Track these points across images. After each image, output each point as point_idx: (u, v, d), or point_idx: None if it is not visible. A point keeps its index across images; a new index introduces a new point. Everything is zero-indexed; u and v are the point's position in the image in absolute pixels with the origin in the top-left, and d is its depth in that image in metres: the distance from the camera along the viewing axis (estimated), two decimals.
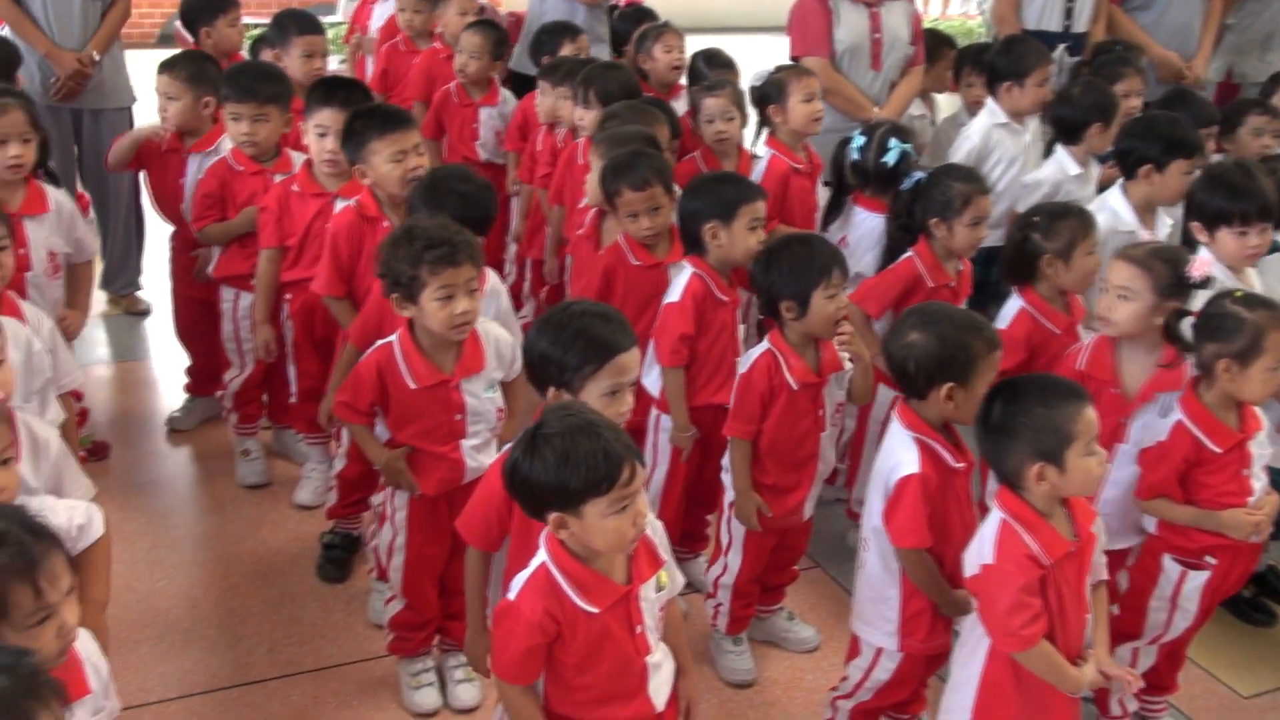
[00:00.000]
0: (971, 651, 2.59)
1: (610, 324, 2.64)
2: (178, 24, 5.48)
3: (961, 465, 2.81)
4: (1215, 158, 4.51)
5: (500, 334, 3.18)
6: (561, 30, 5.52)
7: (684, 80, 5.44)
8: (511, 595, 2.29)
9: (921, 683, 3.06)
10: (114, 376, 5.44)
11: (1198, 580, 3.06)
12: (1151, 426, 3.09)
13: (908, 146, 4.08)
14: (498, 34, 5.46)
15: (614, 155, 3.68)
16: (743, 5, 14.43)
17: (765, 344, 3.23)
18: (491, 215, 3.55)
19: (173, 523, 4.24)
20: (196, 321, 4.65)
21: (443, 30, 5.79)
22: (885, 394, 3.88)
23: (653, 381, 3.54)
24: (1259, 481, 3.02)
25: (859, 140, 4.17)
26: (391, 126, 3.62)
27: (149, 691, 3.34)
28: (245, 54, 5.53)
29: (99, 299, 5.55)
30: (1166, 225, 4.04)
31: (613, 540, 2.22)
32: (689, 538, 3.82)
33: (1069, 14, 5.57)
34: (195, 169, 4.39)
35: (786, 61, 5.00)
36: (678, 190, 3.67)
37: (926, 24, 6.39)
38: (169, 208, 4.59)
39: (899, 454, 2.79)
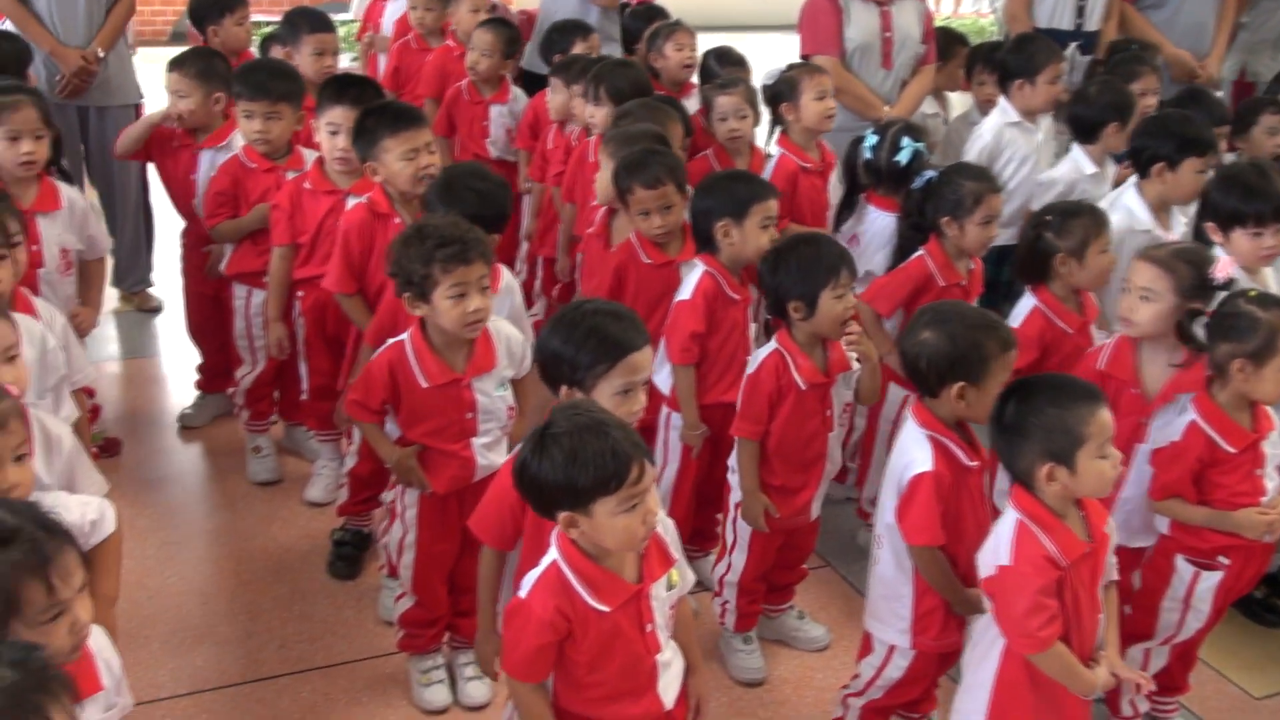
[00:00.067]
0: (985, 653, 2.58)
1: (622, 322, 2.63)
2: (189, 22, 5.49)
3: (975, 464, 2.81)
4: (1228, 157, 4.50)
5: (511, 332, 3.19)
6: (573, 29, 5.51)
7: (695, 78, 5.43)
8: (523, 593, 2.29)
9: (933, 681, 3.05)
10: (124, 373, 5.47)
11: (1211, 581, 3.05)
12: (1171, 426, 3.08)
13: (920, 146, 4.08)
14: (509, 32, 5.46)
15: (627, 153, 3.68)
16: (754, 3, 14.43)
17: (773, 344, 3.23)
18: (507, 213, 3.56)
19: (184, 519, 4.25)
20: (208, 318, 4.66)
21: (455, 28, 5.79)
22: (896, 393, 3.89)
23: (663, 379, 3.54)
24: (1272, 481, 3.01)
25: (872, 139, 4.17)
26: (403, 124, 3.62)
27: (160, 687, 3.35)
28: (255, 52, 5.54)
29: (110, 296, 5.57)
30: (1181, 224, 4.02)
31: (623, 539, 2.22)
32: (699, 536, 3.82)
33: (1081, 12, 5.56)
34: (208, 164, 4.40)
35: (797, 60, 5.00)
36: (689, 189, 3.67)
37: (938, 22, 6.39)
38: (181, 203, 4.60)
39: (912, 452, 2.79)
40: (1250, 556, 3.06)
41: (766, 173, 4.40)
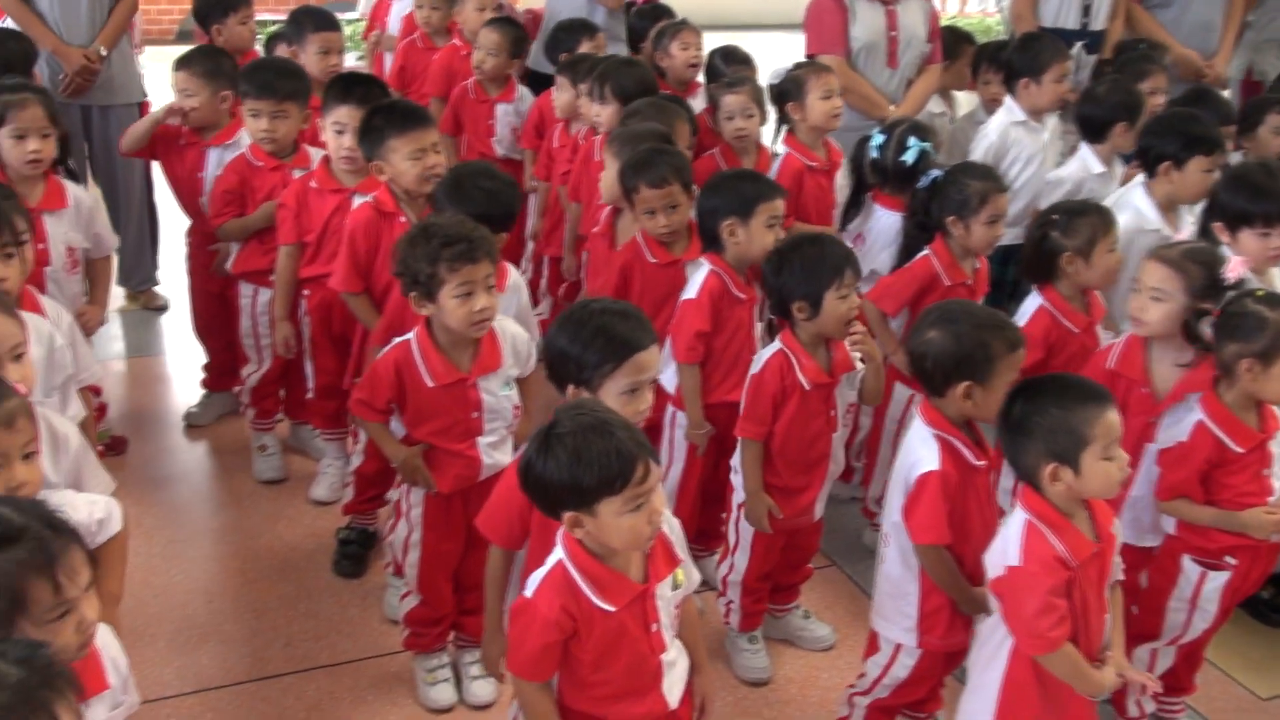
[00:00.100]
0: (993, 654, 2.58)
1: (629, 321, 2.63)
2: (195, 21, 5.49)
3: (982, 463, 2.80)
4: (1235, 157, 4.49)
5: (517, 331, 3.19)
6: (579, 28, 5.51)
7: (701, 77, 5.43)
8: (528, 592, 2.29)
9: (939, 681, 3.05)
10: (130, 372, 5.47)
11: (1218, 581, 3.05)
12: (1178, 426, 3.07)
13: (927, 145, 4.07)
14: (516, 31, 5.46)
15: (633, 152, 3.68)
16: (759, 2, 14.41)
17: (777, 344, 3.23)
18: (515, 211, 3.56)
19: (190, 517, 4.26)
20: (214, 317, 4.66)
21: (462, 27, 5.79)
22: (901, 392, 3.89)
23: (668, 378, 3.54)
24: (1279, 481, 3.01)
25: (878, 138, 4.17)
26: (411, 124, 3.62)
27: (165, 685, 3.36)
28: (260, 50, 5.54)
29: (116, 294, 5.57)
30: (1189, 223, 4.02)
31: (628, 538, 2.22)
32: (705, 535, 3.82)
33: (1086, 11, 5.54)
34: (215, 162, 4.41)
35: (803, 59, 4.99)
36: (695, 189, 3.67)
37: (944, 21, 6.38)
38: (187, 201, 4.60)
39: (919, 451, 2.79)
40: (1257, 556, 3.05)
41: (772, 172, 4.41)
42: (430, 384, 3.03)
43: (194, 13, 5.36)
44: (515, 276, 3.57)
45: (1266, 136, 4.68)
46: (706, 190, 3.56)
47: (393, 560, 3.42)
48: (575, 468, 2.16)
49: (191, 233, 4.70)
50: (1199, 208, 3.97)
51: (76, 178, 4.14)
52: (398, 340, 3.11)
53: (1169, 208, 4.04)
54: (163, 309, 6.04)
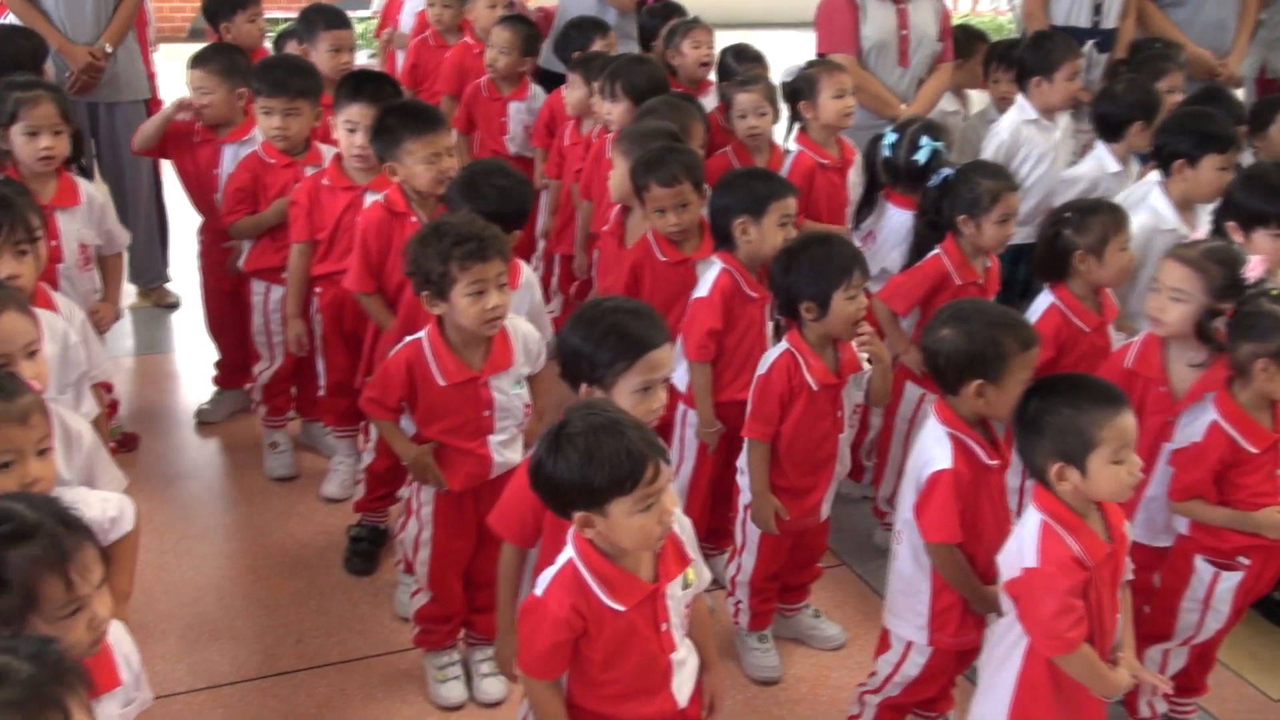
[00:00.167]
0: (1006, 654, 2.57)
1: (642, 320, 2.62)
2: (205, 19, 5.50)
3: (995, 463, 2.80)
4: (1245, 156, 4.47)
5: (528, 330, 3.19)
6: (591, 26, 5.50)
7: (713, 76, 5.42)
8: (539, 591, 2.29)
9: (950, 680, 3.04)
10: (141, 369, 5.48)
11: (1231, 581, 3.04)
12: (1192, 426, 3.06)
13: (939, 144, 4.07)
14: (528, 29, 5.46)
15: (645, 150, 3.68)
16: (770, 1, 14.38)
17: (784, 344, 3.22)
18: (528, 209, 3.57)
19: (201, 514, 4.27)
20: (227, 314, 4.67)
21: (474, 24, 5.80)
22: (912, 391, 3.89)
23: (679, 376, 3.54)
24: None
25: (891, 137, 4.16)
26: (427, 127, 3.62)
27: (177, 682, 3.37)
28: (269, 48, 5.55)
29: (128, 292, 5.59)
30: (1206, 222, 4.00)
31: (639, 538, 2.21)
32: (715, 534, 3.81)
33: (1098, 9, 5.52)
34: (230, 159, 4.41)
35: (814, 57, 4.99)
36: (707, 188, 3.66)
37: (957, 20, 6.37)
38: (201, 198, 4.60)
39: (932, 449, 2.78)
40: (1270, 557, 3.04)
41: (784, 169, 4.40)
42: (442, 383, 3.03)
43: (203, 10, 5.37)
44: (528, 274, 3.57)
45: (1277, 135, 4.67)
46: (719, 188, 3.56)
47: (403, 558, 3.42)
48: (586, 468, 2.16)
49: (204, 230, 4.70)
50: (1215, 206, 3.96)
51: (89, 174, 4.15)
52: (409, 339, 3.11)
53: (1185, 206, 4.03)
54: (174, 306, 6.06)
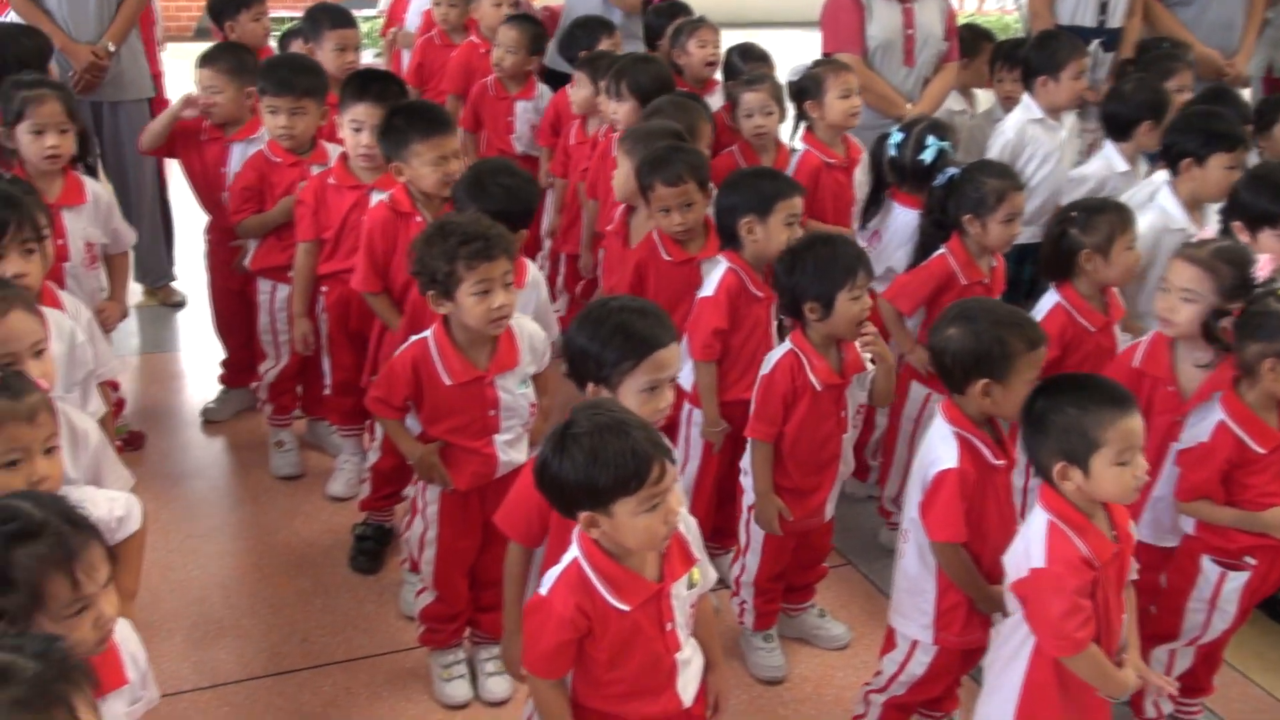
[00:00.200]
0: (1013, 655, 2.57)
1: (649, 319, 2.62)
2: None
3: (1001, 463, 2.80)
4: (1250, 156, 4.46)
5: (533, 329, 3.19)
6: (597, 25, 5.51)
7: (719, 75, 5.42)
8: (544, 590, 2.30)
9: (955, 680, 3.04)
10: (146, 367, 5.49)
11: (1237, 581, 3.03)
12: (1198, 426, 3.05)
13: (945, 144, 4.06)
14: (535, 28, 5.46)
15: (650, 150, 3.67)
16: (776, 0, 14.37)
17: (787, 345, 3.22)
18: (534, 208, 3.57)
19: (207, 513, 4.27)
20: (234, 313, 4.67)
21: (479, 22, 5.80)
22: (918, 391, 3.89)
23: (685, 376, 3.54)
24: None
25: (897, 136, 4.16)
26: (435, 130, 3.62)
27: (183, 680, 3.37)
28: (274, 47, 5.55)
29: (134, 290, 5.59)
30: (1214, 221, 3.99)
31: (644, 539, 2.21)
32: (720, 533, 3.81)
33: (1104, 8, 5.51)
34: (238, 157, 4.41)
35: (821, 57, 4.98)
36: (713, 187, 3.66)
37: (963, 19, 6.37)
38: (209, 197, 4.60)
39: (938, 448, 2.78)
40: (1277, 557, 3.03)
41: (790, 168, 4.40)
42: (448, 382, 3.03)
43: (208, 9, 5.38)
44: (534, 273, 3.57)
45: None
46: (725, 187, 3.55)
47: (409, 556, 3.43)
48: (591, 468, 2.16)
49: (211, 229, 4.70)
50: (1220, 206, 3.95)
51: (95, 173, 4.15)
52: (414, 338, 3.11)
53: (1194, 206, 4.02)
54: (180, 305, 6.06)
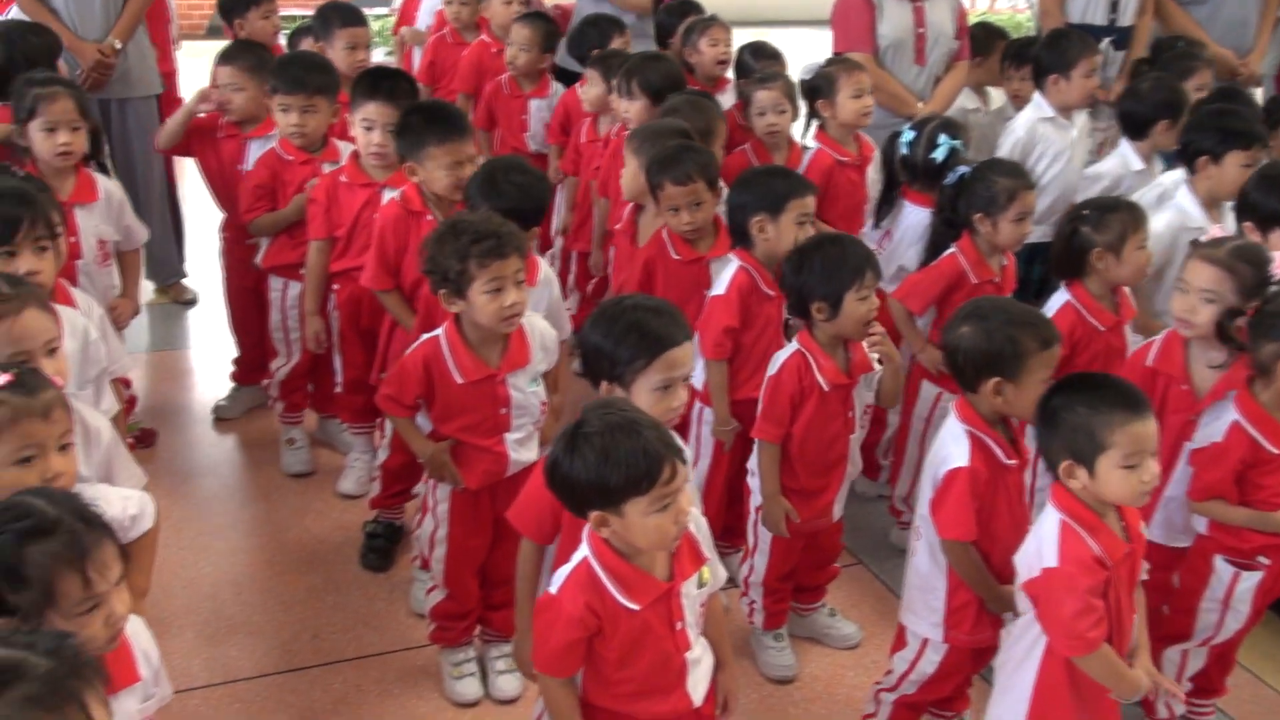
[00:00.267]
0: (1024, 655, 2.56)
1: (663, 318, 2.62)
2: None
3: (1013, 462, 2.79)
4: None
5: (544, 327, 3.19)
6: (608, 24, 5.50)
7: (730, 74, 5.42)
8: (553, 589, 2.30)
9: (966, 679, 3.04)
10: (157, 365, 5.50)
11: (1250, 581, 3.02)
12: (1212, 426, 3.04)
13: (957, 143, 4.06)
14: (548, 26, 5.46)
15: (660, 149, 3.67)
16: None
17: (794, 345, 3.21)
18: (545, 205, 3.57)
19: (218, 510, 4.28)
20: (250, 311, 4.65)
21: (490, 21, 5.80)
22: (929, 390, 3.88)
23: (696, 375, 3.54)
24: None
25: (909, 134, 4.15)
26: (452, 135, 3.61)
27: (194, 677, 3.38)
28: (283, 45, 5.55)
29: (145, 288, 5.60)
30: (1232, 220, 3.98)
31: (654, 538, 2.21)
32: (730, 532, 3.80)
33: (1114, 7, 5.49)
34: (255, 154, 4.40)
35: (833, 56, 4.97)
36: (723, 186, 3.66)
37: (975, 18, 6.35)
38: (226, 194, 4.60)
39: (950, 447, 2.78)
40: None
41: (802, 167, 4.40)
42: (459, 380, 3.03)
43: (218, 7, 5.38)
44: (546, 270, 3.57)
45: None
46: (737, 186, 3.55)
47: (420, 554, 3.43)
48: (602, 467, 2.15)
49: (227, 226, 4.69)
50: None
51: (106, 170, 4.16)
52: (426, 336, 3.11)
53: (1212, 204, 4.01)
54: (191, 303, 6.07)
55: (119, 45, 5.29)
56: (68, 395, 2.42)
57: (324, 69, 4.34)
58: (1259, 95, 5.74)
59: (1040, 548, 2.48)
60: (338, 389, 4.30)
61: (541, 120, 5.47)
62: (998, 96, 5.80)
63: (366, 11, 5.37)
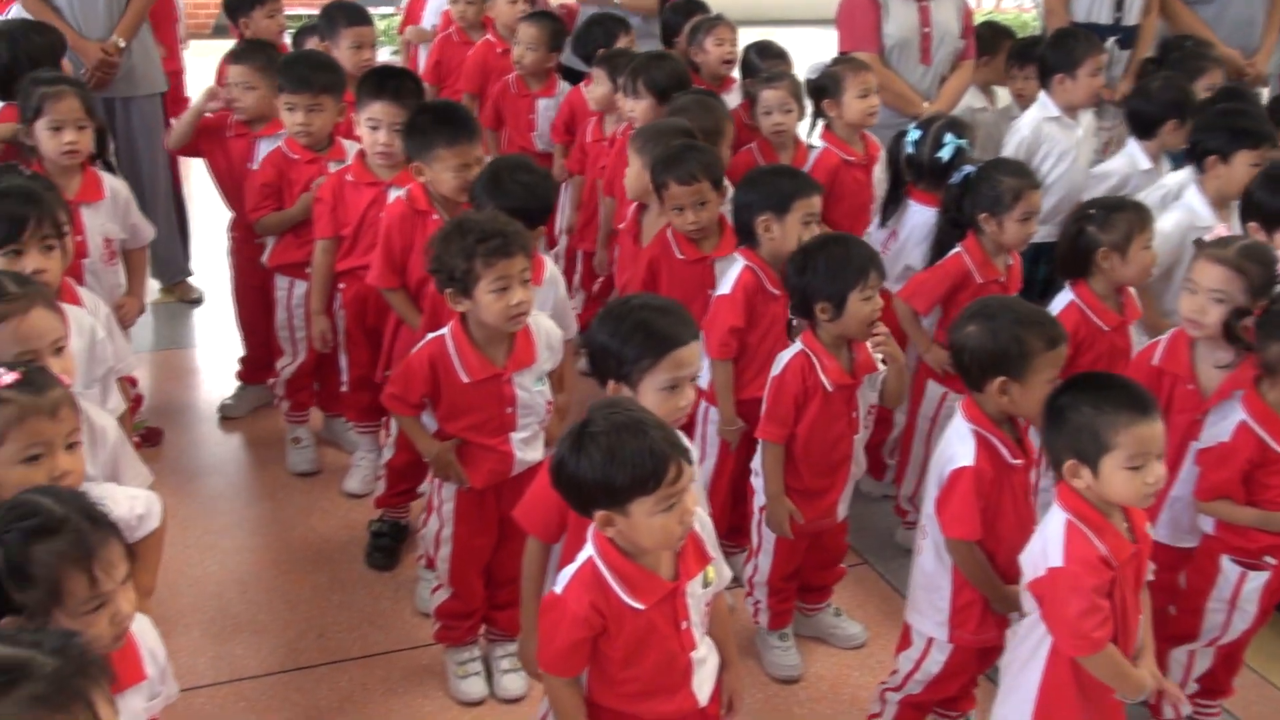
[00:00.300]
0: (1030, 655, 2.56)
1: (670, 317, 2.62)
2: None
3: (1019, 462, 2.79)
4: None
5: (550, 326, 3.19)
6: (613, 23, 5.50)
7: (736, 73, 5.42)
8: (558, 588, 2.30)
9: (971, 679, 3.03)
10: (163, 364, 5.50)
11: (1257, 581, 3.01)
12: (1219, 426, 3.03)
13: (963, 142, 4.05)
14: (554, 24, 5.46)
15: (664, 148, 3.67)
16: None
17: (798, 345, 3.21)
18: (551, 204, 3.57)
19: (224, 509, 4.29)
20: (258, 310, 4.64)
21: (494, 20, 5.80)
22: (934, 390, 3.88)
23: (701, 374, 3.54)
24: None
25: (914, 134, 4.15)
26: (460, 137, 3.61)
27: (200, 675, 3.38)
28: (288, 44, 5.56)
29: (151, 287, 5.60)
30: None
31: (660, 538, 2.21)
32: (735, 531, 3.80)
33: (1119, 6, 5.49)
34: (264, 153, 4.39)
35: (839, 55, 4.97)
36: (728, 186, 3.65)
37: (980, 17, 6.34)
38: (235, 193, 4.59)
39: (956, 446, 2.78)
40: None
41: (808, 166, 4.40)
42: (465, 379, 3.04)
43: (224, 5, 5.38)
44: (552, 269, 3.57)
45: None
46: (743, 185, 3.55)
47: (425, 553, 3.43)
48: (608, 467, 2.16)
49: (235, 225, 4.69)
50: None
51: (113, 169, 4.16)
52: (431, 335, 3.11)
53: (1221, 204, 4.00)
54: (197, 301, 6.07)
55: (123, 44, 5.28)
56: (75, 394, 2.42)
57: (330, 68, 4.33)
58: (1265, 95, 5.72)
59: (1046, 547, 2.48)
60: (343, 388, 4.30)
61: (549, 120, 5.46)
62: (1003, 96, 5.80)
63: (372, 10, 5.37)
